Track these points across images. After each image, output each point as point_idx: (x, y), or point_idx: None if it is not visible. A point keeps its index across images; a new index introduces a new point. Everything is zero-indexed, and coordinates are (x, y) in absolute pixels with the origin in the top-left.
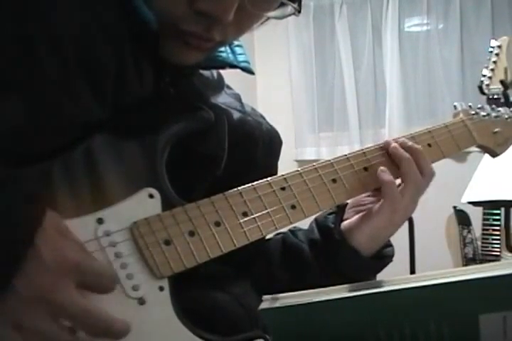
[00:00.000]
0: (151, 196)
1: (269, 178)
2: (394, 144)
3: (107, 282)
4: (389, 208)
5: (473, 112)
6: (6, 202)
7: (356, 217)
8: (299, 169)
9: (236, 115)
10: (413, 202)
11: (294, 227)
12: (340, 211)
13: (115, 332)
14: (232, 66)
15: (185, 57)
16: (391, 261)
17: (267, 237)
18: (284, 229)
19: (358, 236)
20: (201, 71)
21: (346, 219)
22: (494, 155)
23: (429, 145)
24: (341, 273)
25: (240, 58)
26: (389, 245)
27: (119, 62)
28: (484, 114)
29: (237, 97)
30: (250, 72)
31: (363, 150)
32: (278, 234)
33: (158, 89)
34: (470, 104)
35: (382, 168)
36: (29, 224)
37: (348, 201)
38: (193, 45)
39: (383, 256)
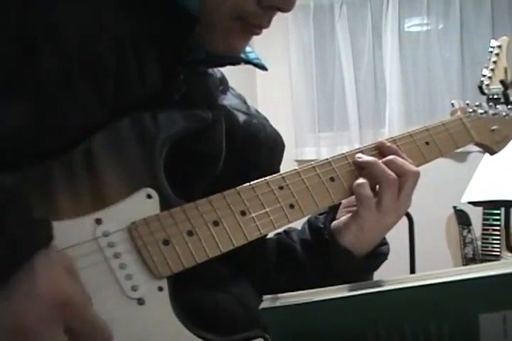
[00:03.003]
0: (149, 196)
1: (267, 177)
2: (357, 155)
3: (98, 337)
4: (362, 208)
5: (470, 110)
6: (15, 220)
7: (345, 217)
8: (297, 168)
9: (242, 117)
10: (397, 202)
11: (289, 228)
12: (331, 211)
13: None
14: (247, 62)
15: (238, 48)
16: (386, 259)
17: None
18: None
19: (346, 237)
20: (209, 71)
21: (338, 219)
22: (492, 152)
23: (427, 143)
24: (335, 273)
25: (251, 56)
26: (384, 243)
27: (119, 62)
28: (482, 111)
29: (242, 99)
30: (263, 67)
31: (360, 148)
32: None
33: (170, 87)
34: (468, 101)
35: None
36: (30, 245)
37: (343, 201)
38: (257, 35)
39: (377, 255)
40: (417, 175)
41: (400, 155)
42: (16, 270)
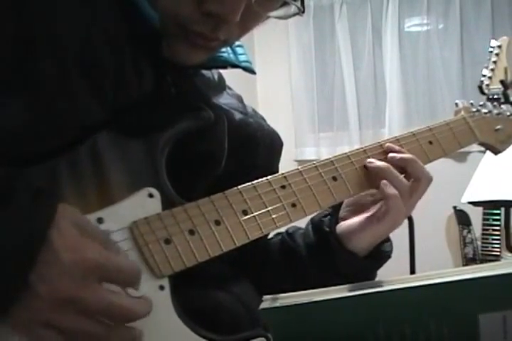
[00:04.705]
0: (150, 195)
1: (269, 177)
2: (368, 160)
3: (131, 276)
4: (392, 218)
5: (474, 109)
6: (13, 201)
7: (357, 220)
8: (299, 167)
9: (238, 116)
10: (407, 206)
11: (291, 228)
12: (334, 213)
13: (141, 315)
14: (234, 66)
15: (189, 57)
16: (390, 256)
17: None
18: (285, 228)
19: (357, 241)
20: (202, 71)
21: (343, 219)
22: (496, 152)
23: (430, 142)
24: (341, 276)
25: (241, 58)
26: (387, 240)
27: (117, 62)
28: (486, 111)
29: (239, 98)
30: (252, 71)
31: (363, 148)
32: (277, 234)
33: (160, 88)
34: (471, 101)
35: (384, 181)
36: (40, 223)
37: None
38: (199, 45)
39: (381, 252)
40: (431, 180)
41: (417, 161)
42: (38, 253)
